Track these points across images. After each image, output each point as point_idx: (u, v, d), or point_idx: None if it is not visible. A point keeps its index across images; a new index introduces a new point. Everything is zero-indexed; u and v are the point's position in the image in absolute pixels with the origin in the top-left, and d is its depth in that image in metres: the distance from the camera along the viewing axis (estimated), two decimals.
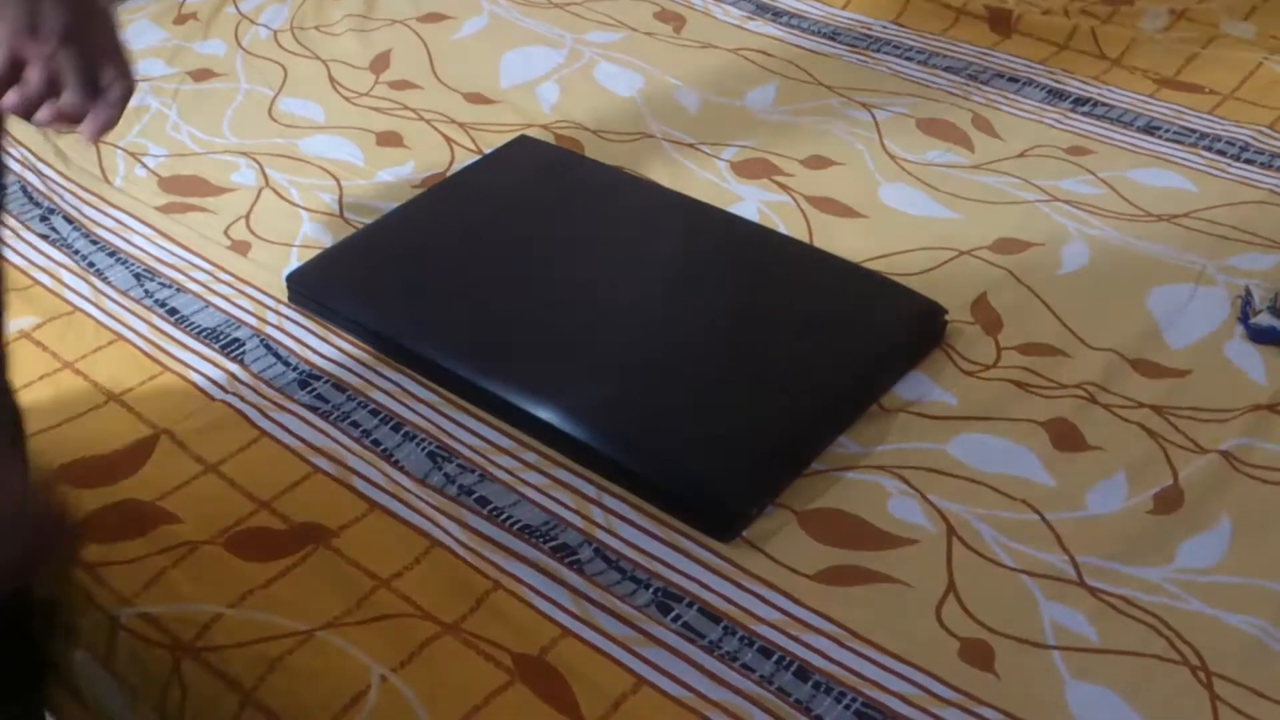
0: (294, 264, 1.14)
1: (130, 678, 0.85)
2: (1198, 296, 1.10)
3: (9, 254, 1.15)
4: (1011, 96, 1.38)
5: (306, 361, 1.05)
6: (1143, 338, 1.06)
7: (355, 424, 0.99)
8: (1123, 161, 1.27)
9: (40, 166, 1.28)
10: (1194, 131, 1.32)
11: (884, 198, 1.23)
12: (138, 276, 1.14)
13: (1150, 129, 1.32)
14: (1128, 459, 0.95)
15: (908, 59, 1.45)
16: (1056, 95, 1.38)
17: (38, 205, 1.23)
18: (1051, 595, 0.86)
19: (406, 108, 1.37)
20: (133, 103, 1.34)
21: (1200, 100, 1.36)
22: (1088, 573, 0.87)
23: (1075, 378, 1.02)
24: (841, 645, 0.83)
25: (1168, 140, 1.30)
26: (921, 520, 0.91)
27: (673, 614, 0.85)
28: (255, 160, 1.29)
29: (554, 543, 0.90)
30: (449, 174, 1.26)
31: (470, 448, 0.97)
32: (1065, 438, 0.97)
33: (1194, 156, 1.28)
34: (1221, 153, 1.28)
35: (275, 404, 1.01)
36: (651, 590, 0.87)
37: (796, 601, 0.86)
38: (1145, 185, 1.24)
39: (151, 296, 1.12)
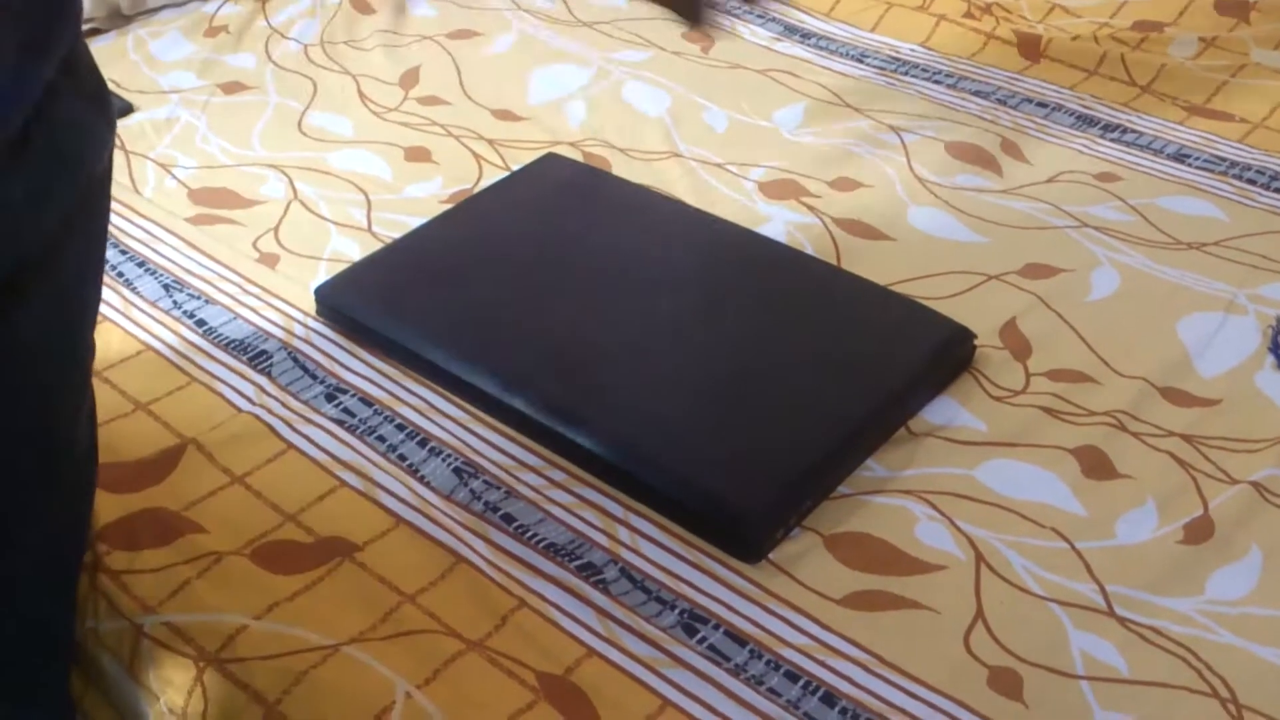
0: (322, 277, 1.14)
1: (154, 686, 0.85)
2: (1228, 325, 1.09)
3: None
4: (1040, 121, 1.37)
5: (333, 375, 1.05)
6: (1173, 366, 1.05)
7: (381, 438, 0.99)
8: (1152, 189, 1.27)
9: None
10: (1224, 159, 1.31)
11: (913, 221, 1.23)
12: (166, 287, 1.15)
13: (1180, 156, 1.32)
14: (1158, 488, 0.95)
15: (936, 82, 1.45)
16: (1086, 121, 1.37)
17: None
18: (1081, 625, 0.85)
19: (435, 123, 1.38)
20: (163, 114, 1.39)
21: (1230, 128, 1.36)
22: (1117, 602, 0.86)
23: (1105, 405, 1.01)
24: (869, 671, 0.82)
25: (1197, 168, 1.30)
26: (950, 546, 0.90)
27: (698, 636, 0.85)
28: (284, 173, 1.29)
29: (579, 561, 0.89)
30: (476, 190, 1.26)
31: (496, 464, 0.97)
32: (1095, 465, 0.96)
33: (1224, 184, 1.27)
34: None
35: (302, 417, 1.01)
36: (677, 611, 0.86)
37: (824, 626, 0.85)
38: (1175, 212, 1.24)
39: (180, 307, 1.12)
